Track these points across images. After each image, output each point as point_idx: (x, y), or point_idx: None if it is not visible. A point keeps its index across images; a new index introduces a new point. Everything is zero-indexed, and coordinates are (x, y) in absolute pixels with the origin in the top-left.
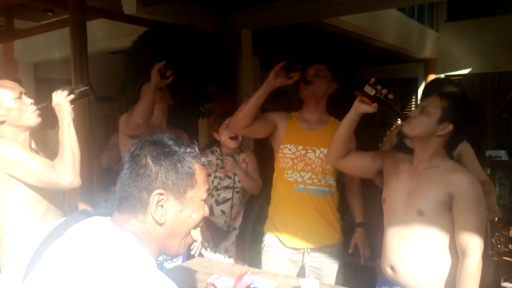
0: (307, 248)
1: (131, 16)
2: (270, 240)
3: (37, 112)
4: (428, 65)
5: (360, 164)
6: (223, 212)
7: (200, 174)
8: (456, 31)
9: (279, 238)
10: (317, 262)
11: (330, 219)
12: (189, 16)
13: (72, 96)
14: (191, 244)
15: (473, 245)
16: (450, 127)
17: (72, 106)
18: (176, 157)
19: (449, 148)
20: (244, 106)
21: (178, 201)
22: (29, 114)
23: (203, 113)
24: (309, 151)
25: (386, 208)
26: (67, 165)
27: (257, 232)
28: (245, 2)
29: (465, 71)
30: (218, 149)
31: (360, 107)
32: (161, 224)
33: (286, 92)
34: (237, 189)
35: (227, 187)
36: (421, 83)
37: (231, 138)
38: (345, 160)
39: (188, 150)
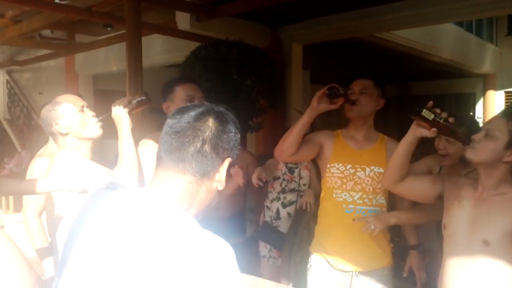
0: (355, 271)
1: (185, 31)
2: (317, 261)
3: (99, 123)
4: (487, 80)
5: (419, 189)
6: (289, 214)
7: None
8: None
9: (326, 259)
10: (366, 286)
11: (381, 242)
12: (241, 31)
13: (131, 106)
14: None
15: None
16: None
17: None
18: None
19: None
20: (289, 134)
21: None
22: (92, 125)
23: (251, 127)
24: (359, 169)
25: (446, 235)
26: (126, 173)
27: (303, 250)
28: (296, 17)
29: None
30: None
31: (418, 131)
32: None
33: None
34: (301, 193)
35: (293, 190)
36: (479, 99)
37: None
38: (402, 184)
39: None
